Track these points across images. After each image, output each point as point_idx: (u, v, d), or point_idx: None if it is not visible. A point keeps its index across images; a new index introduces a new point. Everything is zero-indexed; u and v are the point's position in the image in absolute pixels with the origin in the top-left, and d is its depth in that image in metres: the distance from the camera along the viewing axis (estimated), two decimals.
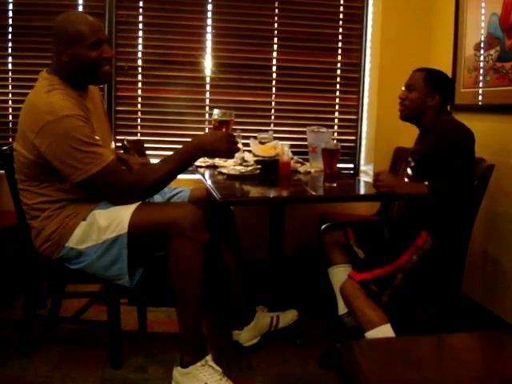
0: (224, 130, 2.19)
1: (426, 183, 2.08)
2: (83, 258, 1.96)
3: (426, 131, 2.25)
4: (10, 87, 3.10)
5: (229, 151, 2.04)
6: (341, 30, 3.38)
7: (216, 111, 2.53)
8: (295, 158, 2.98)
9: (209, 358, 1.92)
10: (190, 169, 2.95)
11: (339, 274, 2.33)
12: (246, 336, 2.35)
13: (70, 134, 1.84)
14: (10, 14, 3.04)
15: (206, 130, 3.31)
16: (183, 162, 2.02)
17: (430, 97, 2.21)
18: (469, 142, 2.09)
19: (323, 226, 2.49)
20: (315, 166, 2.79)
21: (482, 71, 2.71)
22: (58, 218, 1.97)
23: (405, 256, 2.05)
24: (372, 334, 1.90)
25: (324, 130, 2.85)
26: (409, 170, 2.35)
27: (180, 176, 3.08)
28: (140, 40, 3.20)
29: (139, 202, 1.97)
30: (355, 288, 2.01)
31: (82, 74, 1.97)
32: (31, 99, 1.94)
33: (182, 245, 1.87)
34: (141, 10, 3.17)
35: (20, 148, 1.95)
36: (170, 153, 3.12)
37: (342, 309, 2.30)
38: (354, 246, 2.36)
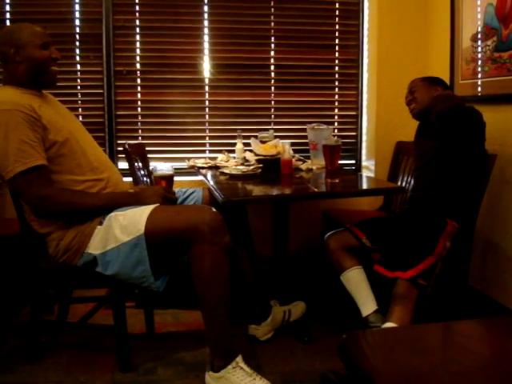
0: (163, 184, 2.24)
1: None
2: (106, 263, 1.93)
3: None
4: None
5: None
6: (337, 26, 3.38)
7: (158, 167, 2.33)
8: (296, 155, 2.98)
9: (239, 359, 1.91)
10: (192, 170, 2.99)
11: (356, 276, 2.34)
12: (264, 331, 2.38)
13: (5, 128, 1.86)
14: (8, 23, 3.05)
15: (207, 132, 3.32)
16: (110, 205, 1.99)
17: (433, 90, 2.40)
18: None
19: (326, 235, 2.48)
20: (316, 162, 2.79)
21: (479, 62, 2.70)
22: (75, 225, 1.96)
23: (440, 244, 2.16)
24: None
25: (324, 126, 2.86)
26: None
27: (182, 178, 3.13)
28: (138, 44, 3.21)
29: (156, 205, 1.94)
30: (409, 286, 2.07)
31: (33, 73, 2.03)
32: None
33: (204, 250, 1.83)
34: (137, 14, 3.18)
35: None
36: (172, 156, 3.20)
37: (366, 310, 2.30)
38: (367, 243, 2.37)
